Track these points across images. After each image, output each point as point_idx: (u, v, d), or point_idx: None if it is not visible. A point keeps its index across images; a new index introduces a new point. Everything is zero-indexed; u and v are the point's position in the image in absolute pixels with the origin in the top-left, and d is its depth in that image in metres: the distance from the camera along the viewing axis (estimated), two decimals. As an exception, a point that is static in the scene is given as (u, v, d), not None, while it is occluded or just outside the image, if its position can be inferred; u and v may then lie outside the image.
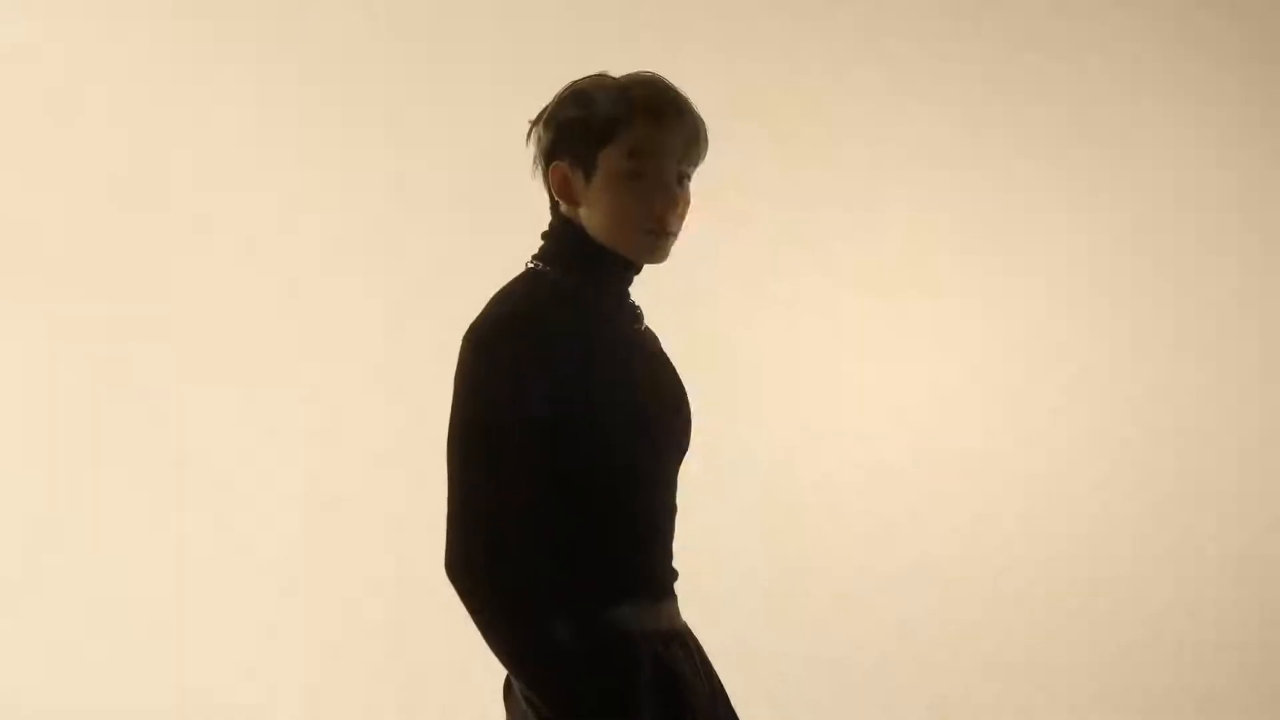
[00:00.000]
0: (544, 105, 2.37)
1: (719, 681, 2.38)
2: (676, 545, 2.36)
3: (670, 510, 2.35)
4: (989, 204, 4.86)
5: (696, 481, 2.56)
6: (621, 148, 2.28)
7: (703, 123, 2.34)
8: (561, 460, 2.21)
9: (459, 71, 4.65)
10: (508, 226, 4.08)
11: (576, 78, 2.36)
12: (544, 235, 2.36)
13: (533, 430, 2.18)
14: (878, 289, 4.80)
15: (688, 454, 2.40)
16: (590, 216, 2.31)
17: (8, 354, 4.46)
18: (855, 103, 4.79)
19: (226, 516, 4.49)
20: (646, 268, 2.36)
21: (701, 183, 2.39)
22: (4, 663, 4.39)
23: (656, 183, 2.28)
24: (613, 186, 2.28)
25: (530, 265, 2.34)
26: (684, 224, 2.34)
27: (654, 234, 2.29)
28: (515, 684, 2.21)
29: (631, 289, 2.39)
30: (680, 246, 2.36)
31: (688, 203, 2.33)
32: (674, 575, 2.35)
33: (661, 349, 2.43)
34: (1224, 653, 4.86)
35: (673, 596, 2.34)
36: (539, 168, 2.36)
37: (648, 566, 2.29)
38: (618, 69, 2.36)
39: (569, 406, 2.20)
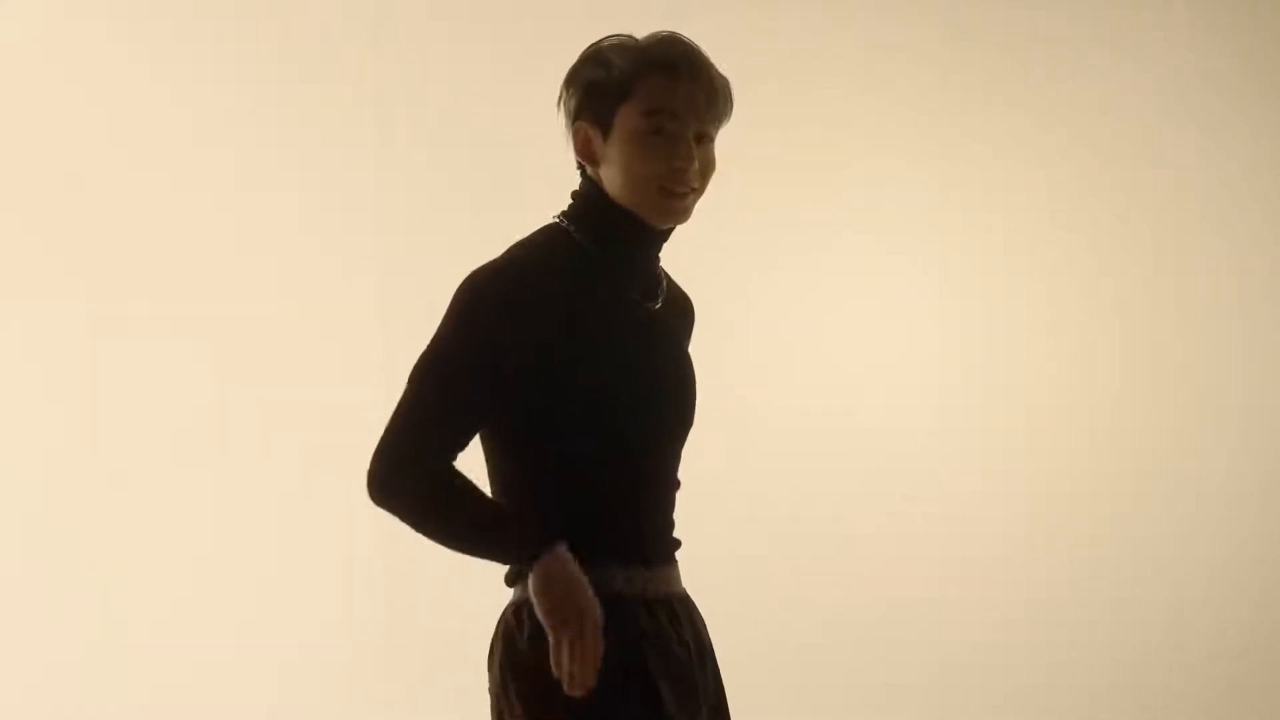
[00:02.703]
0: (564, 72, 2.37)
1: (712, 654, 2.39)
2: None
3: (667, 483, 2.35)
4: (989, 193, 4.81)
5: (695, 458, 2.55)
6: (638, 105, 2.27)
7: (725, 81, 2.32)
8: (541, 417, 2.24)
9: (451, 54, 4.63)
10: (505, 209, 4.11)
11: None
12: (572, 195, 2.36)
13: (493, 377, 2.21)
14: (878, 267, 4.78)
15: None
16: (609, 175, 2.30)
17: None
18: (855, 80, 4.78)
19: (221, 508, 4.50)
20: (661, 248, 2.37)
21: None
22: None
23: (673, 140, 2.27)
24: (629, 144, 2.27)
25: (554, 220, 2.35)
26: (708, 185, 2.33)
27: (671, 193, 2.28)
28: (495, 634, 2.28)
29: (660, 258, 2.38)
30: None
31: (711, 163, 2.32)
32: (674, 544, 2.36)
33: (676, 325, 2.42)
34: (1220, 658, 4.79)
35: (670, 563, 2.35)
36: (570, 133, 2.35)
37: (637, 533, 2.30)
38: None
39: (544, 365, 2.22)
